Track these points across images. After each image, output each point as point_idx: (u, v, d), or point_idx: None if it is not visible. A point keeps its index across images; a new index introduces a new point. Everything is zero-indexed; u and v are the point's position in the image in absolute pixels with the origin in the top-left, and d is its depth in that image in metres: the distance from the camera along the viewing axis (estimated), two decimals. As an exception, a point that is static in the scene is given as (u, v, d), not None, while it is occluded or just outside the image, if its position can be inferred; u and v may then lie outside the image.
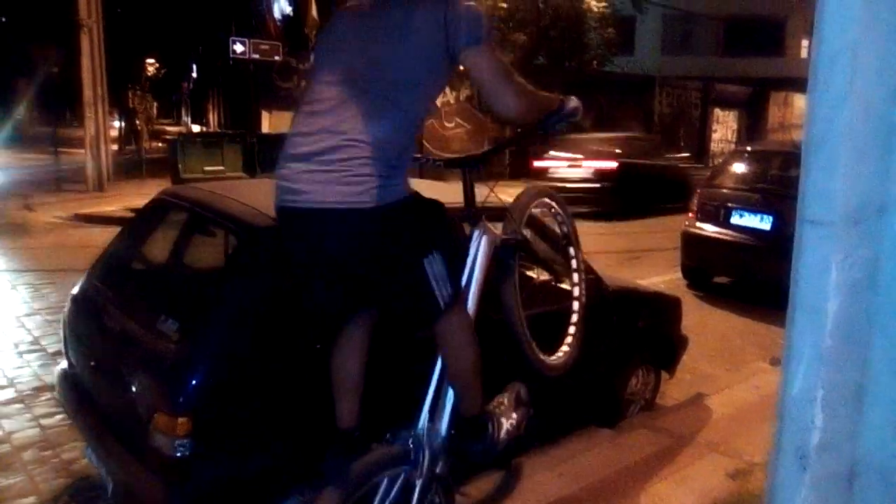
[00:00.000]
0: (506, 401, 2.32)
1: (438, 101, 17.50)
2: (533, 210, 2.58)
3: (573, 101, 2.10)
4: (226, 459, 2.44)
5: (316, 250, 1.99)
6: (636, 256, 8.86)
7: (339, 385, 2.14)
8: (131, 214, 11.74)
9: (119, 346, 2.72)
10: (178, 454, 2.32)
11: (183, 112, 39.86)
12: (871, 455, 1.00)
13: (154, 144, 22.76)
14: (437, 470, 2.13)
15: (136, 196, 13.61)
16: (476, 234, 2.22)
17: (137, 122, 22.73)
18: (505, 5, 16.05)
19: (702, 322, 6.00)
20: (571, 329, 2.71)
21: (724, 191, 7.30)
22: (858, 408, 0.99)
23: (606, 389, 3.96)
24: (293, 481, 2.58)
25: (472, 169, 2.26)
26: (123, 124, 27.62)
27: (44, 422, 3.96)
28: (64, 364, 3.25)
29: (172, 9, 21.94)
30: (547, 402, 3.49)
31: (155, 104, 32.31)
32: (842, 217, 0.98)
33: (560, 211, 2.66)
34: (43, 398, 4.24)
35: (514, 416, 2.31)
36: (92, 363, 2.86)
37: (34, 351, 5.07)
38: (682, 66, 26.39)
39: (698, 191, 7.85)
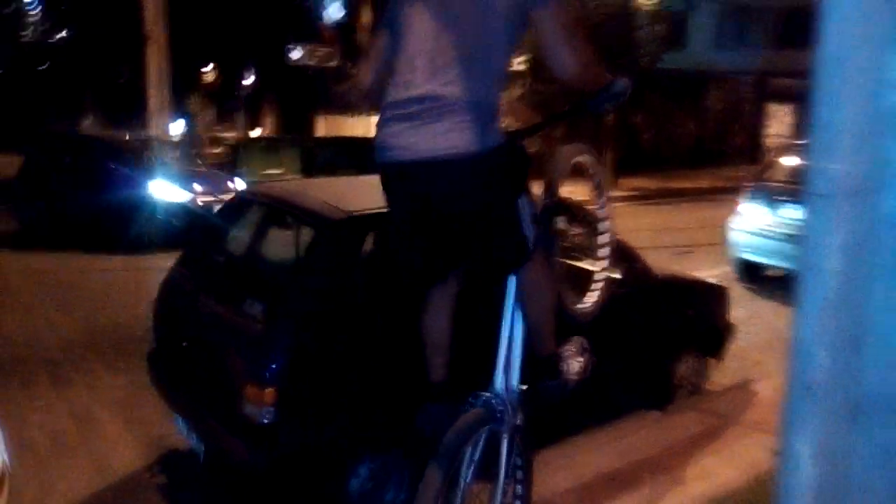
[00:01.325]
0: (572, 347, 2.52)
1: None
2: (570, 168, 2.62)
3: (623, 81, 2.21)
4: (305, 427, 2.73)
5: (423, 201, 2.13)
6: (688, 250, 8.91)
7: (432, 343, 2.37)
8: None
9: (210, 327, 3.04)
10: (266, 421, 2.61)
11: (238, 118, 40.94)
12: (873, 391, 1.19)
13: (212, 150, 23.56)
14: (518, 422, 2.34)
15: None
16: (519, 201, 2.30)
17: (197, 128, 23.57)
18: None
19: (752, 313, 6.08)
20: (599, 276, 2.80)
21: (775, 184, 7.33)
22: (857, 351, 1.18)
23: (656, 374, 4.13)
24: (363, 449, 2.85)
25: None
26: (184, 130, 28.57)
27: (133, 399, 4.34)
28: (153, 345, 3.59)
29: (230, 17, 22.68)
30: (601, 385, 3.70)
31: (212, 111, 33.34)
32: (842, 191, 1.18)
33: (593, 166, 2.71)
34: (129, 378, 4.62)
35: (581, 359, 2.52)
36: (184, 343, 3.19)
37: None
38: (737, 61, 25.93)
39: (748, 184, 7.88)
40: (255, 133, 17.80)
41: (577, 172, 2.74)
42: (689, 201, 15.13)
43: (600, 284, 2.84)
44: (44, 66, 29.46)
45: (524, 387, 2.37)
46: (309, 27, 21.43)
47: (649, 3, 17.73)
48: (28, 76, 31.08)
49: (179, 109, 21.54)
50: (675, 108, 21.33)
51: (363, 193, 3.28)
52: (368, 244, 3.11)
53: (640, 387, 4.09)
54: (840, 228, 1.19)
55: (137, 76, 16.48)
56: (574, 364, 2.52)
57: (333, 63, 16.59)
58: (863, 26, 1.13)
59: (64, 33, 34.29)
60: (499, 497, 2.29)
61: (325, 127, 20.91)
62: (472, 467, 2.25)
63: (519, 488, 2.43)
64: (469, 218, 2.16)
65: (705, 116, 22.48)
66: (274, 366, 2.64)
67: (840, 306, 1.20)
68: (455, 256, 2.31)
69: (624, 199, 15.15)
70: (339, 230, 2.86)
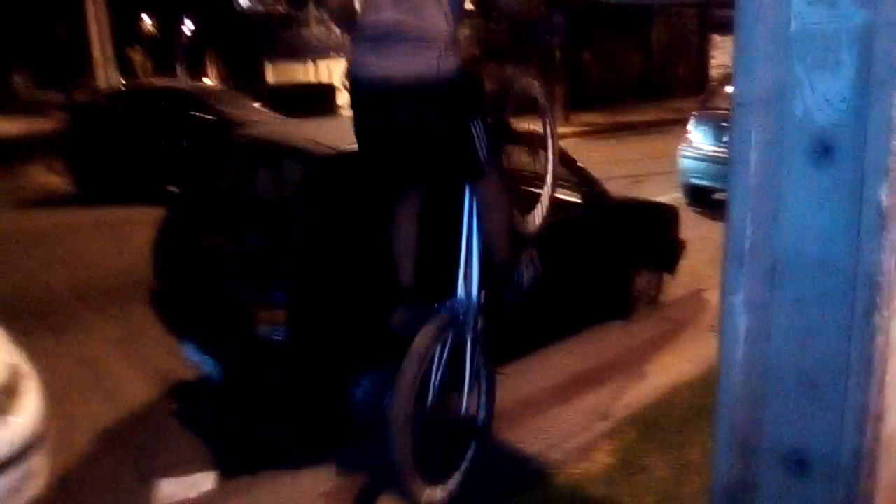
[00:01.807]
0: (524, 258, 2.88)
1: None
2: (515, 91, 2.89)
3: (558, 16, 2.57)
4: (313, 343, 3.05)
5: (386, 114, 2.43)
6: (639, 180, 9.37)
7: (399, 250, 2.70)
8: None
9: (215, 260, 3.32)
10: (279, 338, 2.94)
11: (178, 67, 39.73)
12: (786, 255, 1.57)
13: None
14: (479, 326, 2.71)
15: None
16: (472, 123, 2.53)
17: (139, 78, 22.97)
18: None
19: (701, 234, 6.54)
20: (546, 192, 3.11)
21: (719, 111, 7.76)
22: (775, 223, 1.55)
23: (616, 287, 4.56)
24: (364, 362, 3.20)
25: None
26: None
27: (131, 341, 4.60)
28: (155, 285, 3.86)
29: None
30: (569, 299, 4.11)
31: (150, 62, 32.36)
32: (757, 100, 1.54)
33: (539, 91, 2.99)
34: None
35: (532, 269, 2.88)
36: (190, 278, 3.47)
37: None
38: (680, -8, 26.20)
39: (694, 113, 8.30)
40: (207, 83, 17.52)
41: (524, 101, 3.02)
42: (638, 134, 15.58)
43: (545, 205, 3.17)
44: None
45: (483, 293, 2.72)
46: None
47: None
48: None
49: (120, 62, 20.94)
50: (621, 42, 21.60)
51: (343, 132, 3.59)
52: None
53: (604, 300, 4.51)
54: (757, 129, 1.55)
55: (76, 30, 16.05)
56: (526, 273, 2.87)
57: (280, 9, 16.36)
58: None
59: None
60: (466, 392, 2.67)
61: (274, 74, 20.64)
62: (441, 367, 2.61)
63: (484, 384, 2.81)
64: (425, 132, 2.45)
65: (651, 50, 22.82)
66: (282, 289, 2.95)
67: (760, 190, 1.56)
68: (414, 168, 2.60)
69: (575, 134, 15.53)
70: (326, 165, 3.15)
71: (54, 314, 5.18)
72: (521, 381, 3.71)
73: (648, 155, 11.72)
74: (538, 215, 3.05)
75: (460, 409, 2.66)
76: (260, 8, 15.67)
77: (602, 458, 2.95)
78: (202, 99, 10.19)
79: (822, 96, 1.49)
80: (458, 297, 2.70)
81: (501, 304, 2.82)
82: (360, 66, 2.42)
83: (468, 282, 2.71)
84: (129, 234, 7.02)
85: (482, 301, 2.73)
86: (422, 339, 2.50)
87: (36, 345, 4.73)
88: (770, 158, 1.54)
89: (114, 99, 11.26)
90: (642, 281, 4.71)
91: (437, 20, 2.35)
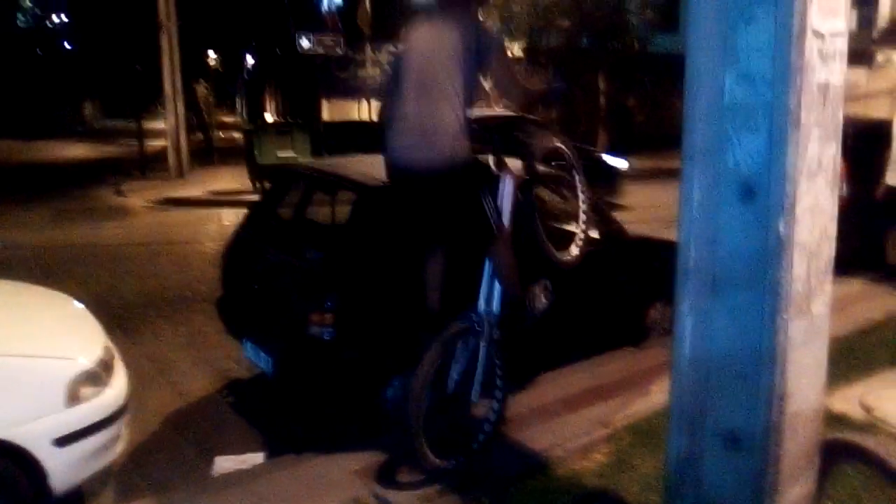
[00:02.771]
0: (538, 288, 3.44)
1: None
2: (547, 148, 3.56)
3: (557, 83, 3.24)
4: (355, 344, 3.58)
5: (419, 194, 3.13)
6: (671, 224, 9.73)
7: (430, 283, 3.30)
8: (214, 198, 13.14)
9: (277, 272, 3.90)
10: (327, 337, 3.47)
11: (238, 103, 41.58)
12: (724, 272, 2.05)
13: (216, 134, 24.22)
14: (495, 336, 3.24)
15: (214, 181, 15.02)
16: (503, 176, 3.25)
17: (204, 113, 24.25)
18: (549, -7, 16.88)
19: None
20: (580, 233, 3.70)
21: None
22: (714, 247, 2.03)
23: (630, 317, 4.98)
24: (397, 366, 3.70)
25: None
26: (190, 115, 29.24)
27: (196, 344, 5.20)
28: (222, 293, 4.45)
29: (233, 4, 23.36)
30: (586, 325, 4.57)
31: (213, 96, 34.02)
32: (700, 153, 2.02)
33: (568, 149, 3.60)
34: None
35: (544, 297, 3.47)
36: (255, 286, 4.05)
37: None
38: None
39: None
40: (268, 118, 18.57)
41: (554, 155, 3.65)
42: (678, 180, 15.85)
43: (580, 241, 3.73)
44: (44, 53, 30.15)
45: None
46: (307, 14, 22.15)
47: (639, -11, 18.41)
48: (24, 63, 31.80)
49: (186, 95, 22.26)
50: (666, 90, 22.04)
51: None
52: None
53: (619, 328, 4.94)
54: (699, 175, 2.03)
55: (151, 64, 17.23)
56: (538, 301, 3.48)
57: (339, 51, 17.35)
58: (706, 52, 1.97)
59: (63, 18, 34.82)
60: (477, 387, 3.23)
61: (329, 111, 21.64)
62: (459, 364, 3.21)
63: (497, 383, 3.35)
64: (443, 205, 3.13)
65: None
66: (332, 297, 3.50)
67: (702, 221, 2.03)
68: (439, 232, 3.28)
69: (616, 178, 15.96)
70: (377, 195, 3.71)
71: (128, 319, 5.84)
72: (537, 391, 4.16)
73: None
74: (574, 249, 3.64)
75: (472, 401, 3.17)
76: (320, 49, 16.64)
77: (598, 458, 3.38)
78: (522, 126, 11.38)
79: (746, 151, 1.98)
80: (478, 310, 3.24)
81: (516, 323, 3.39)
82: (389, 148, 3.12)
83: (490, 300, 3.26)
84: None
85: (500, 317, 3.28)
86: (440, 338, 3.09)
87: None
88: (709, 197, 2.03)
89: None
90: (655, 313, 5.12)
91: (451, 113, 2.98)
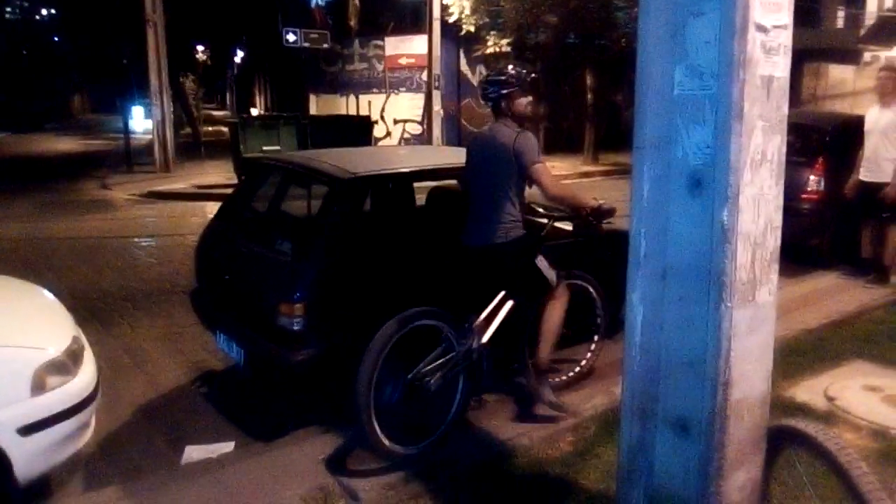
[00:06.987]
0: (552, 397, 3.72)
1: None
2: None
3: (607, 205, 3.59)
4: (325, 334, 3.59)
5: (482, 266, 3.63)
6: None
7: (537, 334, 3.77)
8: (199, 191, 13.12)
9: (248, 263, 3.91)
10: (296, 328, 3.49)
11: (227, 97, 41.47)
12: (673, 262, 2.06)
13: (204, 128, 24.17)
14: (473, 357, 3.43)
15: (200, 175, 15.01)
16: (536, 262, 3.64)
17: (192, 107, 24.17)
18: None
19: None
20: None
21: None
22: (664, 238, 2.05)
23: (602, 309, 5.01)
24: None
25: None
26: (176, 109, 29.14)
27: (171, 336, 5.21)
28: (196, 285, 4.46)
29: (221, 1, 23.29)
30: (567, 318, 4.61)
31: (201, 90, 33.92)
32: (649, 145, 2.05)
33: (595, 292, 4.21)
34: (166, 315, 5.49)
35: (552, 400, 3.71)
36: (226, 277, 4.06)
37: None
38: (715, 41, 26.54)
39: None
40: (253, 112, 18.54)
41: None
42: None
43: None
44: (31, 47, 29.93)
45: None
46: (296, 8, 22.10)
47: (627, -15, 18.43)
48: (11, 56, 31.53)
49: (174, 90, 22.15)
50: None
51: (363, 160, 4.22)
52: (368, 197, 4.00)
53: (590, 320, 4.97)
54: (649, 167, 2.06)
55: (136, 58, 17.15)
56: (544, 398, 3.71)
57: (326, 45, 17.32)
58: (656, 45, 2.01)
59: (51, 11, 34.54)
60: (439, 378, 3.34)
61: (316, 105, 21.61)
62: (430, 366, 3.36)
63: (463, 373, 3.49)
64: (503, 274, 3.63)
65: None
66: (301, 287, 3.51)
67: (652, 212, 2.06)
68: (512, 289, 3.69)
69: (602, 173, 16.06)
70: (347, 186, 3.73)
71: (106, 310, 5.84)
72: (505, 382, 4.20)
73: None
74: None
75: (431, 390, 3.28)
76: (306, 44, 16.63)
77: (563, 447, 3.42)
78: None
79: (694, 143, 2.02)
80: (471, 322, 3.49)
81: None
82: (465, 230, 3.67)
83: (481, 327, 3.50)
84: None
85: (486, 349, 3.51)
86: (392, 323, 3.28)
87: (88, 335, 5.35)
88: (660, 189, 2.06)
89: None
90: (629, 306, 5.16)
91: (508, 209, 3.51)
